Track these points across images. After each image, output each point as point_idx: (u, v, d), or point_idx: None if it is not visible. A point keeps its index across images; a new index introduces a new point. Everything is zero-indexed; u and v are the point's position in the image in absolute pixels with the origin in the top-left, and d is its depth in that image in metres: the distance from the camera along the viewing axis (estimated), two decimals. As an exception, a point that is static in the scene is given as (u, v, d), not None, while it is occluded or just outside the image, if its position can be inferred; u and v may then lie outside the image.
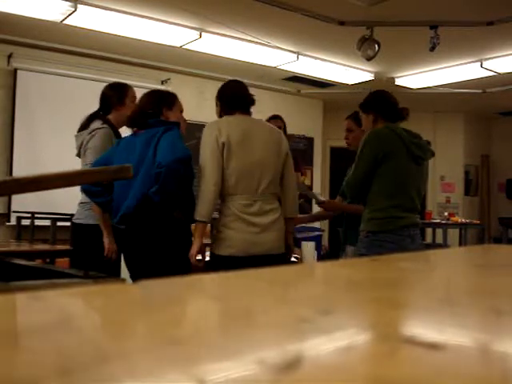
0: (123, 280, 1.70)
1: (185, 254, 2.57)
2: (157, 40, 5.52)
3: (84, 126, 3.07)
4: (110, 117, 3.05)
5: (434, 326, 0.20)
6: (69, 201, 3.62)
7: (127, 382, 0.13)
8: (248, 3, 4.63)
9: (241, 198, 2.60)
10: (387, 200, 2.68)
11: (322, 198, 3.33)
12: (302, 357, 0.15)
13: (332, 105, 8.21)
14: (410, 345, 0.16)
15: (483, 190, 9.49)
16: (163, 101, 2.73)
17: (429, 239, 7.57)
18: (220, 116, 2.73)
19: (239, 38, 5.56)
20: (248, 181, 2.60)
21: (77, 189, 2.76)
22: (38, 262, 2.45)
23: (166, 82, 6.58)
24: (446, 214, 7.59)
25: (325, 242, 7.53)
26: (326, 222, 8.35)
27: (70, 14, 4.84)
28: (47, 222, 4.81)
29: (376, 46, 5.11)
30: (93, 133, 2.97)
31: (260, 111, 3.30)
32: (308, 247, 4.63)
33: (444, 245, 6.68)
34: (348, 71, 6.66)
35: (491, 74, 6.50)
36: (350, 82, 7.03)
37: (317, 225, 7.31)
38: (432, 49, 5.08)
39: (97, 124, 3.02)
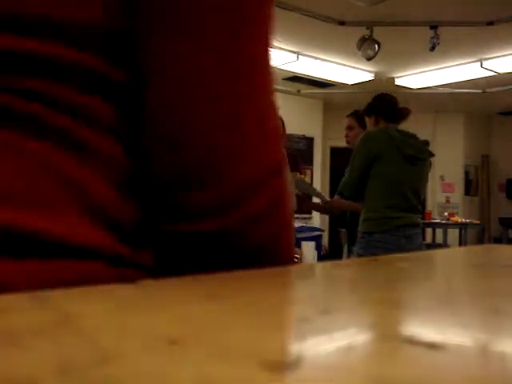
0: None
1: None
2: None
3: None
4: None
5: (433, 325, 0.20)
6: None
7: (127, 382, 0.13)
8: (248, 3, 4.63)
9: None
10: (381, 200, 2.68)
11: (327, 198, 3.33)
12: (302, 357, 0.15)
13: (332, 105, 8.22)
14: (409, 345, 0.16)
15: (483, 190, 9.49)
16: None
17: (429, 239, 7.58)
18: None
19: (239, 38, 5.56)
20: None
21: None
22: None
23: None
24: (445, 213, 7.60)
25: (325, 242, 7.54)
26: (326, 222, 8.36)
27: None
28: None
29: (376, 45, 5.12)
30: None
31: (260, 111, 3.29)
32: (308, 247, 4.63)
33: (444, 245, 6.69)
34: (348, 71, 6.67)
35: (491, 73, 6.50)
36: (350, 81, 7.04)
37: (317, 225, 7.31)
38: (432, 49, 5.09)
39: None
